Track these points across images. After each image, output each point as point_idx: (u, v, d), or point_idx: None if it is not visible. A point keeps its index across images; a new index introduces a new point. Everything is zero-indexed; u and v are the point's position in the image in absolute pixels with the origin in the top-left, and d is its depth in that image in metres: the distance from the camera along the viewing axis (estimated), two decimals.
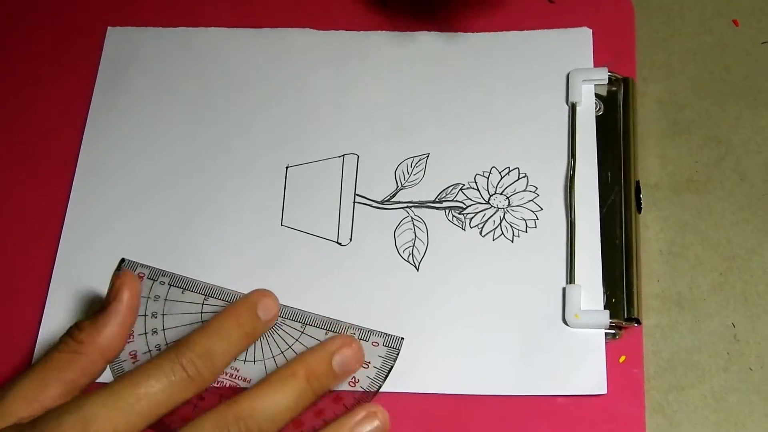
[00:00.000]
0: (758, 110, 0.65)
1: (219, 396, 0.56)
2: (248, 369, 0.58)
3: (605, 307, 0.58)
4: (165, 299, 0.58)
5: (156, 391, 0.50)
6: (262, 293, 0.55)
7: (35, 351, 0.59)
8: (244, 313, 0.54)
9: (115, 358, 0.53)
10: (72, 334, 0.52)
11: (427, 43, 0.67)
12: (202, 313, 0.59)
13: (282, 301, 0.59)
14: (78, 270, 0.61)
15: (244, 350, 0.55)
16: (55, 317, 0.60)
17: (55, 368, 0.51)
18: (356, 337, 0.58)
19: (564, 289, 0.59)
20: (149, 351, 0.58)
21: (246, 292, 0.57)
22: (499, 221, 0.61)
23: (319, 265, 0.61)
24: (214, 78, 0.67)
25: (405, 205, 0.62)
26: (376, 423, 0.53)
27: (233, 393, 0.55)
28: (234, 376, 0.57)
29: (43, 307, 0.60)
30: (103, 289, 0.60)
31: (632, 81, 0.64)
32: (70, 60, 0.68)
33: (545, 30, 0.67)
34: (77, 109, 0.66)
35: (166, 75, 0.67)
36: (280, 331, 0.59)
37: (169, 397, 0.50)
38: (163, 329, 0.58)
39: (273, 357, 0.58)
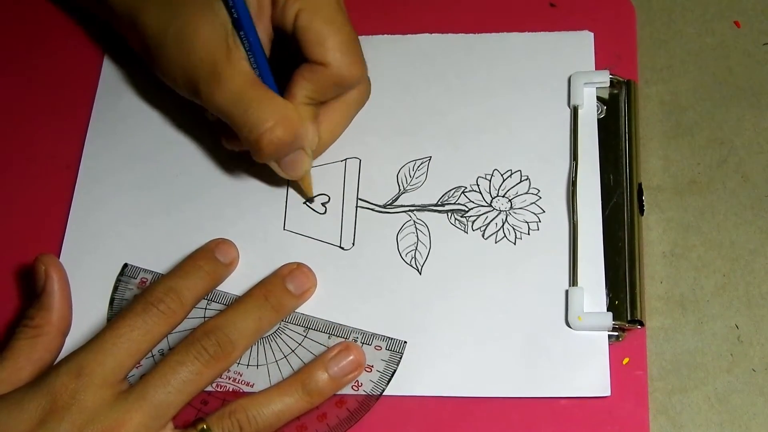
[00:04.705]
0: (760, 111, 0.64)
1: (222, 401, 0.57)
2: (251, 373, 0.58)
3: (608, 309, 0.58)
4: None
5: (133, 330, 0.55)
6: (218, 240, 0.60)
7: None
8: (202, 256, 0.59)
9: (69, 330, 0.59)
10: (27, 323, 0.57)
11: (428, 45, 0.67)
12: (204, 318, 0.59)
13: None
14: (80, 275, 0.61)
15: (209, 289, 0.59)
16: None
17: (24, 353, 0.56)
18: (359, 341, 0.58)
19: (567, 292, 0.59)
20: (152, 356, 0.58)
21: None
22: (501, 224, 0.61)
23: (321, 270, 0.61)
24: None
25: (407, 208, 0.62)
26: (350, 357, 0.56)
27: (237, 397, 0.55)
28: (237, 381, 0.57)
29: None
30: (105, 294, 0.60)
31: (634, 83, 0.64)
32: (72, 64, 0.69)
33: (547, 33, 0.67)
34: (80, 112, 0.66)
35: None
36: (284, 336, 0.59)
37: (146, 332, 0.55)
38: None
39: (276, 361, 0.58)
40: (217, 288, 0.60)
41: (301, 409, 0.55)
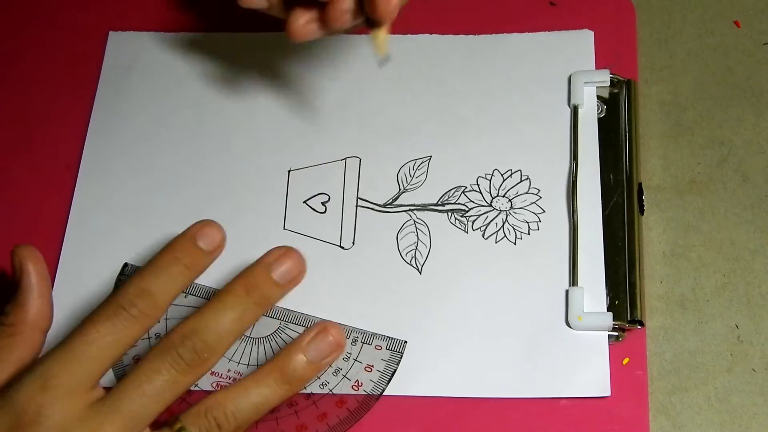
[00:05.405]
0: (760, 111, 0.64)
1: None
2: (250, 373, 0.57)
3: (608, 309, 0.58)
4: None
5: (104, 336, 0.50)
6: (202, 223, 0.55)
7: (39, 355, 0.59)
8: (181, 245, 0.54)
9: (49, 326, 0.55)
10: (2, 320, 0.53)
11: (428, 45, 0.67)
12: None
13: (285, 305, 0.59)
14: (81, 274, 0.61)
15: (187, 284, 0.54)
16: (58, 321, 0.59)
17: (1, 353, 0.52)
18: (359, 341, 0.58)
19: (567, 291, 0.59)
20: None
21: None
22: (501, 224, 0.61)
23: (321, 269, 0.61)
24: (216, 82, 0.67)
25: (407, 208, 0.62)
26: (329, 338, 0.53)
27: None
28: (236, 381, 0.57)
29: None
30: (105, 294, 0.60)
31: (634, 83, 0.64)
32: (72, 64, 0.68)
33: (547, 32, 0.67)
34: (80, 112, 0.66)
35: (168, 79, 0.67)
36: (283, 335, 0.59)
37: (117, 339, 0.51)
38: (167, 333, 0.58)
39: None
40: (218, 288, 0.59)
41: (281, 399, 0.53)
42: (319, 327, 0.54)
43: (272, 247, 0.61)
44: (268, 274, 0.54)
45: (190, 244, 0.54)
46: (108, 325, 0.51)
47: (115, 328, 0.51)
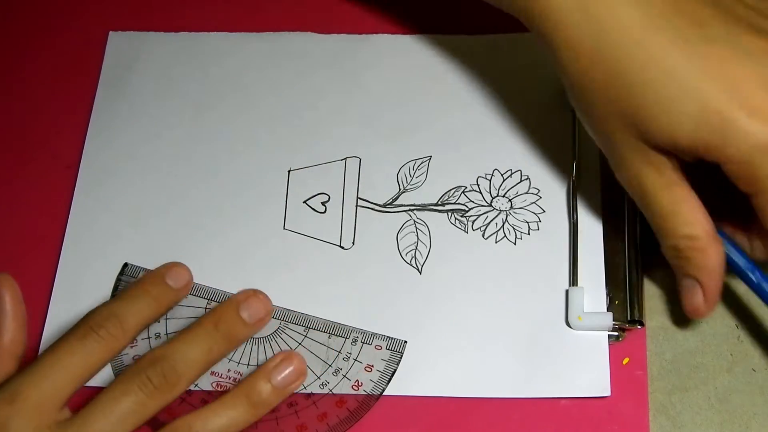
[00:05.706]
0: None
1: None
2: (251, 373, 0.57)
3: (608, 309, 0.58)
4: None
5: (73, 355, 0.52)
6: (173, 263, 0.58)
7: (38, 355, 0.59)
8: (151, 280, 0.57)
9: (24, 351, 0.55)
10: None
11: (428, 45, 0.67)
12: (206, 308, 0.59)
13: (284, 305, 0.59)
14: (81, 274, 0.61)
15: (155, 315, 0.56)
16: (58, 322, 0.60)
17: None
18: (359, 340, 0.58)
19: (567, 291, 0.59)
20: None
21: None
22: (501, 224, 0.61)
23: (321, 269, 0.61)
24: (216, 83, 0.67)
25: (407, 208, 0.62)
26: (290, 368, 0.55)
27: None
28: (237, 381, 0.57)
29: (45, 312, 0.60)
30: (105, 294, 0.60)
31: None
32: (71, 65, 0.68)
33: None
34: (79, 113, 0.66)
35: (168, 79, 0.67)
36: (283, 335, 0.59)
37: (85, 359, 0.52)
38: (166, 333, 0.58)
39: None
40: (217, 288, 0.60)
41: (247, 422, 0.54)
42: (283, 355, 0.55)
43: (272, 246, 0.61)
44: (237, 313, 0.56)
45: (160, 280, 0.57)
46: (78, 346, 0.52)
47: (85, 349, 0.52)
